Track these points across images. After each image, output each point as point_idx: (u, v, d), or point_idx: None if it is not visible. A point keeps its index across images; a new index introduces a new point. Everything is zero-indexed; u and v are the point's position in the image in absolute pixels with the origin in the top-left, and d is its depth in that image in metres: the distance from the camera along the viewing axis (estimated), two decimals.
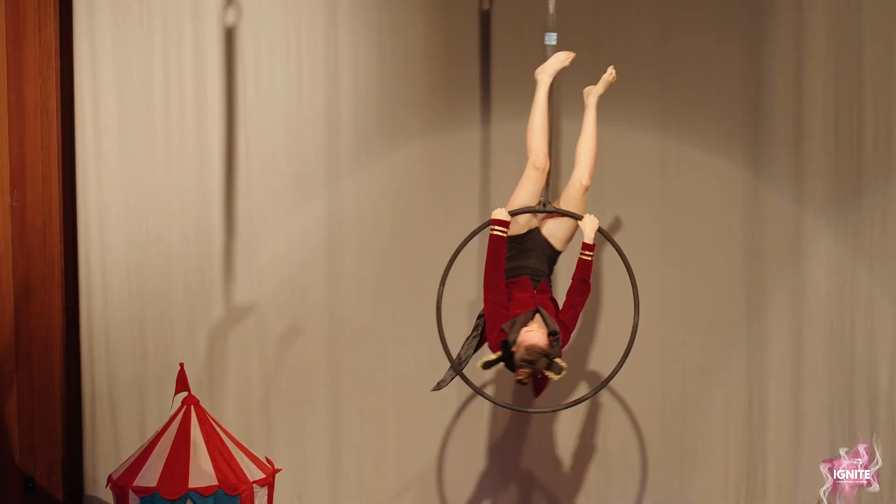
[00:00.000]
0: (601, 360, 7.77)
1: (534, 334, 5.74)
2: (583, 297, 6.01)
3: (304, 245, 7.66)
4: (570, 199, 6.23)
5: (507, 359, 5.79)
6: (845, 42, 7.72)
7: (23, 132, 7.26)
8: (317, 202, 7.66)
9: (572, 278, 6.05)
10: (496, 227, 5.90)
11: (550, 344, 5.74)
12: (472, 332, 6.08)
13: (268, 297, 7.62)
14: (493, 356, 5.81)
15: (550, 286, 6.13)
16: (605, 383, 6.27)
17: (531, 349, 5.70)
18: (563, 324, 5.91)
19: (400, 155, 7.71)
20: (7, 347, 7.22)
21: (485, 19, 7.64)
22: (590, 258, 6.03)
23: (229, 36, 7.53)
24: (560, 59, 6.25)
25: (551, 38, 6.27)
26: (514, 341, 5.73)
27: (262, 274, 7.62)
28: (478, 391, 6.23)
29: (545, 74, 6.22)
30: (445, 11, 7.66)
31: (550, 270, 6.17)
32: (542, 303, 5.93)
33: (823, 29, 7.72)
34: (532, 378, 5.91)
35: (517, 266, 5.97)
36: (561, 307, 6.01)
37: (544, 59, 6.31)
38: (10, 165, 7.21)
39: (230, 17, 7.52)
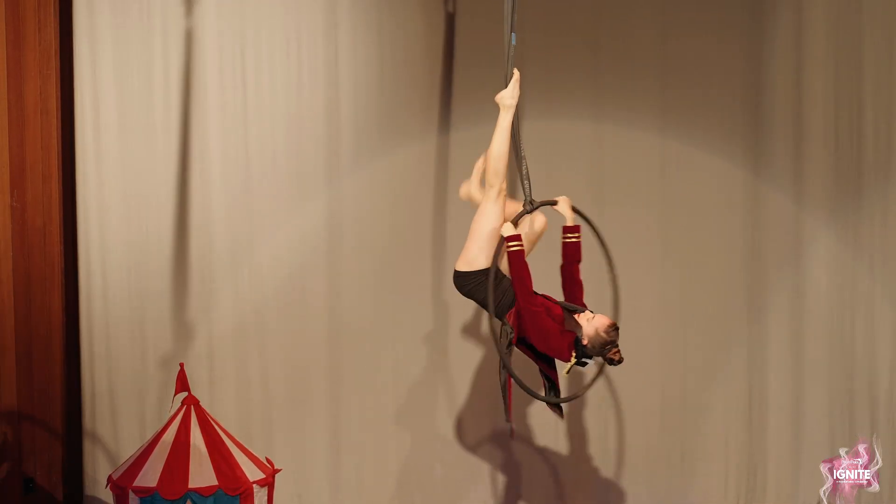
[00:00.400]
0: None
1: (598, 317, 5.76)
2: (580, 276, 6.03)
3: (304, 245, 7.66)
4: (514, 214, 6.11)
5: (582, 355, 5.80)
6: (845, 42, 7.73)
7: (23, 132, 7.27)
8: (317, 202, 7.67)
9: (568, 264, 5.99)
10: (512, 244, 5.84)
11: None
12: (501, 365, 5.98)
13: (268, 296, 7.62)
14: (571, 360, 5.80)
15: None
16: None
17: (609, 329, 5.72)
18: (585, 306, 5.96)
19: (400, 155, 7.71)
20: (7, 347, 7.22)
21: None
22: (578, 239, 6.02)
23: (230, 36, 7.53)
24: (518, 82, 6.05)
25: (513, 38, 6.14)
26: (584, 334, 5.74)
27: (262, 274, 7.62)
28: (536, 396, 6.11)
29: (514, 100, 6.04)
30: (444, 10, 7.67)
31: None
32: (553, 300, 5.95)
33: (823, 29, 7.73)
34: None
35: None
36: (570, 294, 6.00)
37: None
38: (10, 165, 7.21)
39: (231, 18, 7.52)
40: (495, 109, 7.66)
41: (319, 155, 7.64)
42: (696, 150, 7.80)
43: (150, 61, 7.49)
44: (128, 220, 7.52)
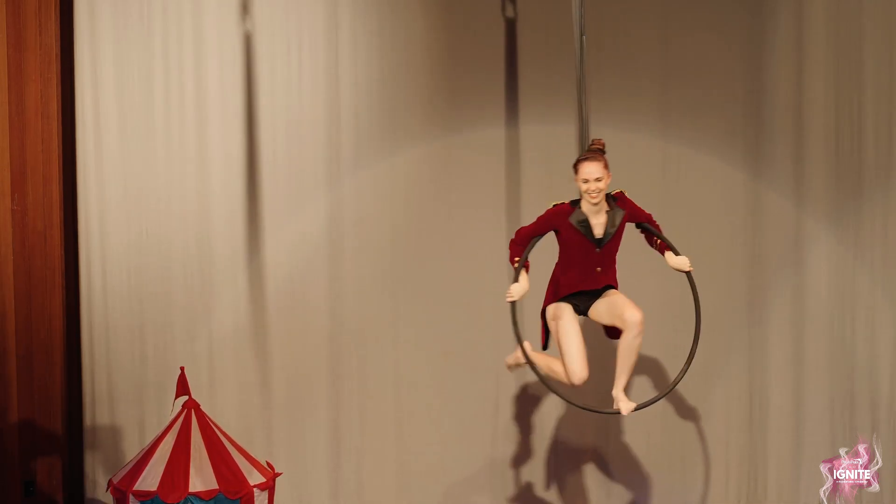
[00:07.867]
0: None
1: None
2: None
3: (304, 247, 7.66)
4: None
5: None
6: (846, 43, 7.72)
7: (23, 135, 7.28)
8: (318, 204, 7.67)
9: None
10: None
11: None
12: None
13: (268, 300, 7.63)
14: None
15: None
16: (675, 383, 6.39)
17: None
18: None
19: (401, 156, 7.71)
20: (8, 350, 7.23)
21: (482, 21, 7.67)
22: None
23: (230, 38, 7.53)
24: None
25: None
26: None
27: (262, 277, 7.62)
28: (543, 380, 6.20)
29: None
30: (446, 12, 7.67)
31: None
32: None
33: (824, 30, 7.73)
34: None
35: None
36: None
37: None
38: (11, 168, 7.23)
39: (231, 20, 7.53)
40: (492, 112, 7.70)
41: (320, 156, 7.64)
42: (697, 151, 7.80)
43: (150, 64, 7.50)
44: (128, 223, 7.53)
